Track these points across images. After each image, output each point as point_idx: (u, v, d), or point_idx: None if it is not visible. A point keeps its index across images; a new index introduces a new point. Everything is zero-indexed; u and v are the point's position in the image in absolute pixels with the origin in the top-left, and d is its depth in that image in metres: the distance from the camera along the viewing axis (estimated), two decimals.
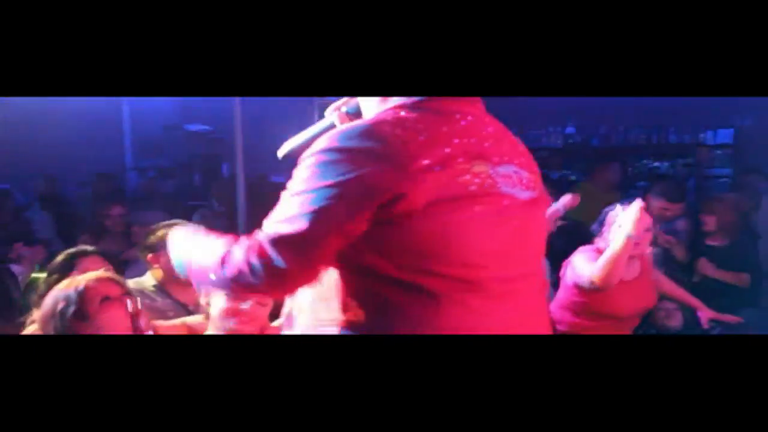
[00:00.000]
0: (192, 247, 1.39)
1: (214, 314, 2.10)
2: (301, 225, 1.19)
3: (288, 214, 1.22)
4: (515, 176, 1.31)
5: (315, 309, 1.36)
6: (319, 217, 1.19)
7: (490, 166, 1.26)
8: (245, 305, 2.06)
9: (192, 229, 1.47)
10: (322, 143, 1.24)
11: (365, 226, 1.20)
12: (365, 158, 1.18)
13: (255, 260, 1.21)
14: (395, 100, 1.33)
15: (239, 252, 1.24)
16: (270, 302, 2.09)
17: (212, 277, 1.29)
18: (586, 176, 5.37)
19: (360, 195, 1.18)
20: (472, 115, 1.32)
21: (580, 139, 6.57)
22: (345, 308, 1.29)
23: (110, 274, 2.06)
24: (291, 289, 1.33)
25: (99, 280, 1.95)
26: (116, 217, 4.30)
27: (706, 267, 3.79)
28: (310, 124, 1.60)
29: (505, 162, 1.30)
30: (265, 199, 1.54)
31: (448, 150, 1.22)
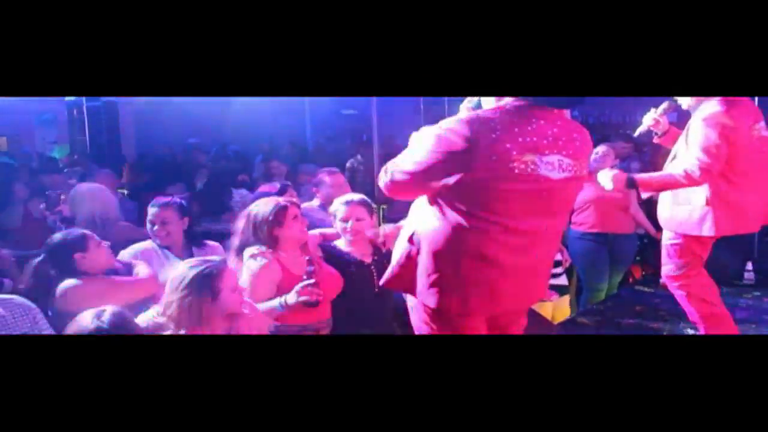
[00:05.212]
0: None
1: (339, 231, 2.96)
2: (400, 168, 1.89)
3: (397, 160, 1.91)
4: (557, 163, 1.83)
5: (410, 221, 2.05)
6: (410, 167, 1.85)
7: (538, 156, 1.79)
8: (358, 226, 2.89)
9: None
10: (439, 124, 1.79)
11: (442, 182, 1.79)
12: (452, 140, 1.75)
13: (380, 180, 1.99)
14: (503, 101, 1.84)
15: (382, 171, 1.99)
16: (370, 223, 2.97)
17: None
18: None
19: (438, 163, 1.79)
20: (545, 119, 1.81)
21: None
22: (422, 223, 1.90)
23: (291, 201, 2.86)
24: (396, 198, 2.06)
25: (292, 203, 2.72)
26: (276, 167, 6.40)
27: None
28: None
29: (554, 152, 1.82)
30: (390, 152, 2.25)
31: (508, 145, 1.74)
